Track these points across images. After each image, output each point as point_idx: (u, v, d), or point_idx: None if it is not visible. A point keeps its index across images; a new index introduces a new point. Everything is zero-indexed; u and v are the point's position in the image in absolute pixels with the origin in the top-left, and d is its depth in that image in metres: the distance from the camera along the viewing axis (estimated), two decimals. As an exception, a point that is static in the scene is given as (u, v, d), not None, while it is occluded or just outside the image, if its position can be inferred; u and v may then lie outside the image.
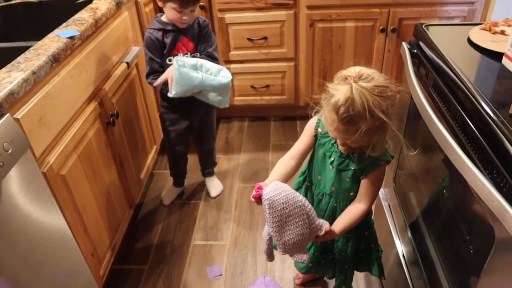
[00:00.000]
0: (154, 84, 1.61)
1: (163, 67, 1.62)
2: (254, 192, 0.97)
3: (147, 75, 1.65)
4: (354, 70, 0.91)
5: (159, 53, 1.61)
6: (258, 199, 0.96)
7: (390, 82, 0.93)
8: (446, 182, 1.09)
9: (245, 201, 1.99)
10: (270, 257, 1.14)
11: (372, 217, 1.26)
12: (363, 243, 1.22)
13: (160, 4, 1.56)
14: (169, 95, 1.55)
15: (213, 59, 1.66)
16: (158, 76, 1.60)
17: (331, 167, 1.09)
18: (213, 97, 1.59)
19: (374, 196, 1.08)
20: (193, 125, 1.82)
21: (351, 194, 1.10)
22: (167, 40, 1.60)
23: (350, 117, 0.88)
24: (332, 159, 1.08)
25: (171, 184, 2.04)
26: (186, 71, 1.50)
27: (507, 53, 0.69)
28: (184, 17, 1.54)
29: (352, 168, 1.06)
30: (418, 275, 1.19)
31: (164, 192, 2.04)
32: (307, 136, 1.13)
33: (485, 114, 0.78)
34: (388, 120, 0.91)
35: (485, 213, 0.75)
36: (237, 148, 2.36)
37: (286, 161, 1.11)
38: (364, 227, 1.21)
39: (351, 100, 0.87)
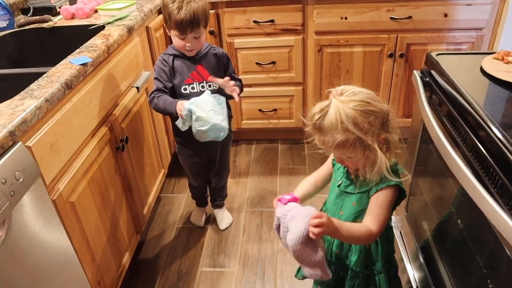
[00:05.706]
0: (159, 107, 1.52)
1: (168, 91, 1.55)
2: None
3: (151, 92, 1.55)
4: (339, 88, 0.95)
5: (166, 75, 1.55)
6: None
7: (376, 100, 0.94)
8: (460, 212, 1.07)
9: (253, 226, 1.97)
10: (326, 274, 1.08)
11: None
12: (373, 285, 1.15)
13: (169, 33, 1.53)
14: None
15: (235, 79, 1.62)
16: (161, 94, 1.52)
17: (337, 191, 1.10)
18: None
19: (379, 218, 1.01)
20: (209, 159, 1.78)
21: (358, 221, 1.08)
22: (178, 64, 1.55)
23: (322, 124, 0.92)
24: (340, 182, 1.09)
25: (195, 206, 2.02)
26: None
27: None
28: (188, 44, 1.48)
29: (355, 192, 1.05)
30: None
31: (192, 216, 2.01)
32: (327, 163, 1.18)
33: (503, 147, 0.77)
34: (362, 134, 0.90)
35: (507, 250, 0.73)
36: (244, 172, 2.35)
37: (309, 181, 1.17)
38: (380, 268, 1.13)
39: (326, 110, 0.91)
